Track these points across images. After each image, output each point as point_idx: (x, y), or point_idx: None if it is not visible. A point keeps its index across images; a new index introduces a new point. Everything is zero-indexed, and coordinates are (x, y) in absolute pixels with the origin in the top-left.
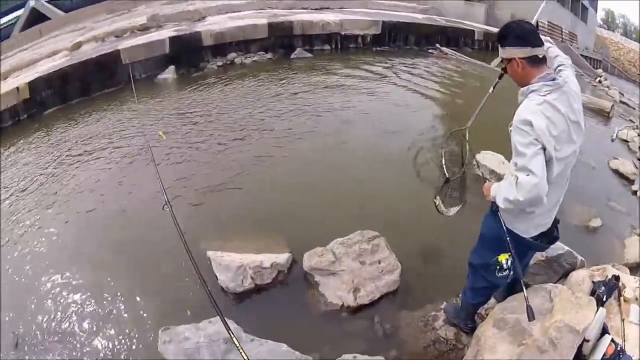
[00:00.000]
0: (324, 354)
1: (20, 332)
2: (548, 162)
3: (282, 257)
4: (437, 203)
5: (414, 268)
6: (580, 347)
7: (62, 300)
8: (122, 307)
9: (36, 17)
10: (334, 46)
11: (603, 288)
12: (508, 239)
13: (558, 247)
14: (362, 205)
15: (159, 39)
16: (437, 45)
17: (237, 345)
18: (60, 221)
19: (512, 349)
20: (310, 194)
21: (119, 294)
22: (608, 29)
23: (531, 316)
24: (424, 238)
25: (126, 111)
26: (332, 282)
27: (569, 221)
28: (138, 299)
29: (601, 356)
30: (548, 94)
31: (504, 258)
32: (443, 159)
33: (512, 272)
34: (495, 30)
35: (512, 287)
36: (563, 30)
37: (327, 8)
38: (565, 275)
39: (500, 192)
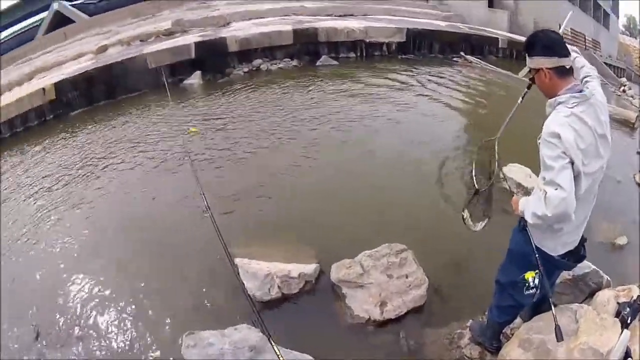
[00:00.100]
0: None
1: (42, 325)
2: (576, 177)
3: (310, 268)
4: (465, 216)
5: (440, 283)
6: None
7: (85, 298)
8: (146, 308)
9: (60, 20)
10: (359, 54)
11: (628, 309)
12: (537, 255)
13: (584, 266)
14: (398, 217)
15: (185, 43)
16: (462, 54)
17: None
18: (86, 221)
19: None
20: (338, 204)
21: (142, 295)
22: (630, 36)
23: (560, 337)
24: (451, 251)
25: (152, 115)
26: (360, 295)
27: (594, 238)
28: (163, 301)
29: None
30: (575, 106)
31: (531, 275)
32: (473, 169)
33: (538, 291)
34: (518, 38)
35: (538, 307)
36: (586, 37)
37: (351, 15)
38: (591, 294)
39: (529, 207)
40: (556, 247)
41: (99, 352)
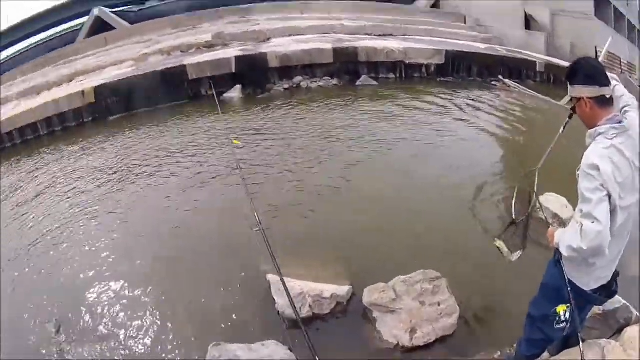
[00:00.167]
0: None
1: (64, 321)
2: (612, 211)
3: (343, 289)
4: (499, 246)
5: (471, 312)
6: None
7: (111, 298)
8: (173, 314)
9: (100, 26)
10: (398, 75)
11: None
12: (569, 289)
13: (615, 301)
14: (435, 243)
15: (225, 57)
16: (500, 77)
17: None
18: (119, 224)
19: None
20: (375, 226)
21: (171, 301)
22: None
23: None
24: (484, 280)
25: (191, 126)
26: (390, 320)
27: (625, 272)
28: (192, 309)
29: None
30: (615, 137)
31: (562, 309)
32: (514, 198)
33: (569, 325)
34: (556, 61)
35: (567, 341)
36: (622, 60)
37: (391, 35)
38: (619, 330)
39: (565, 240)
40: (589, 282)
41: (118, 352)
